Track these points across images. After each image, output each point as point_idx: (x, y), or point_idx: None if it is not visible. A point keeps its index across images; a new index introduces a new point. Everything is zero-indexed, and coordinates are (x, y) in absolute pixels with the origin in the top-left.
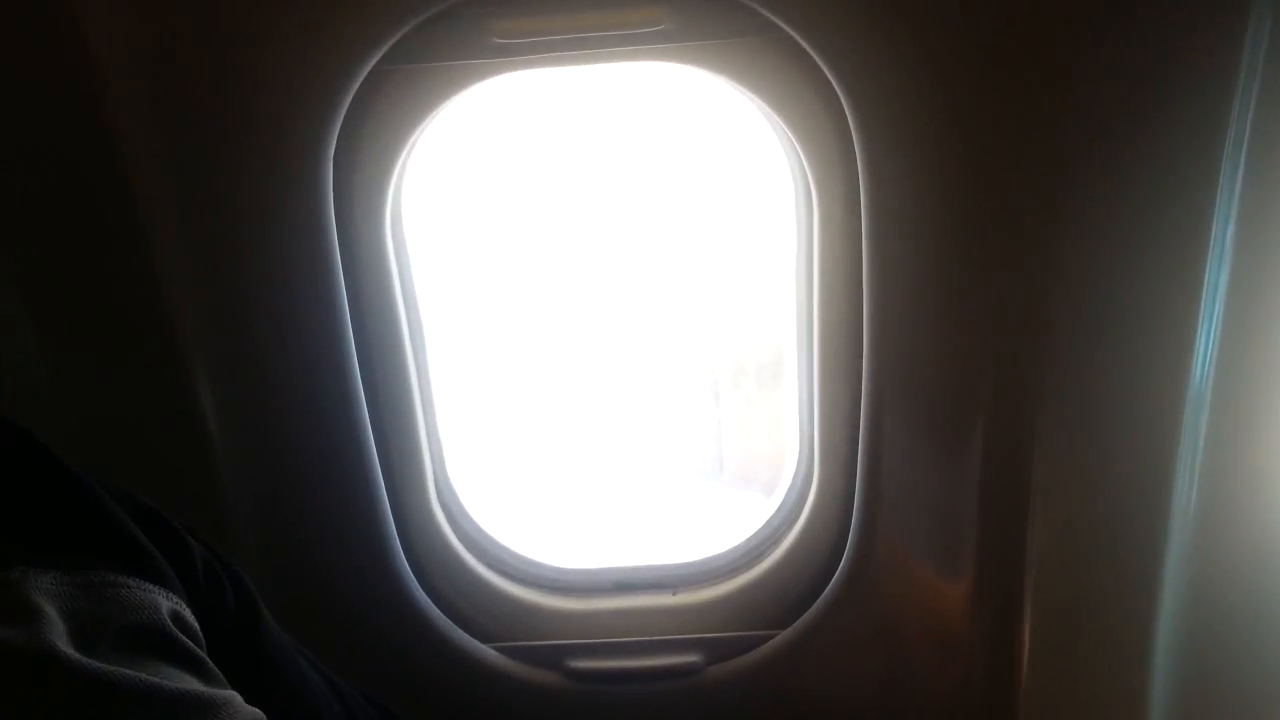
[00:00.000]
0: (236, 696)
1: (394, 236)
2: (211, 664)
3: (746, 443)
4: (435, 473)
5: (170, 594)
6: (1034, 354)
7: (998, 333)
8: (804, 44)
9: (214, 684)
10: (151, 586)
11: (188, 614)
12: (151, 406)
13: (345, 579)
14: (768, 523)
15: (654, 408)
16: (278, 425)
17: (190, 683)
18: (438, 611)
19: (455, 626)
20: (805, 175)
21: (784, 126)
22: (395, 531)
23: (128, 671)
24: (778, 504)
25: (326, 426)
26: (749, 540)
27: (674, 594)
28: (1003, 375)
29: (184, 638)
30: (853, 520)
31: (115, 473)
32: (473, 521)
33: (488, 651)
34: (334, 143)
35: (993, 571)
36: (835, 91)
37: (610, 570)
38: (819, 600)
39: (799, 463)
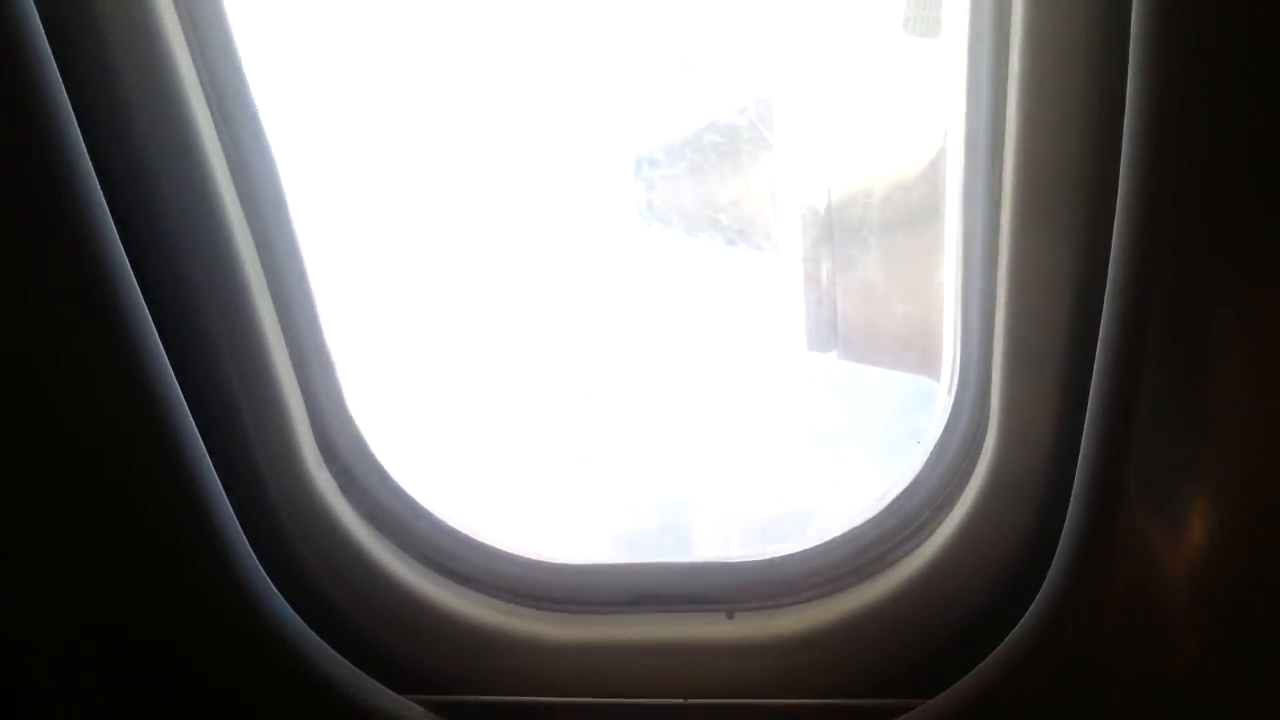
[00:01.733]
0: None
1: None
2: None
3: (870, 304)
4: (314, 408)
5: None
6: None
7: None
8: None
9: None
10: None
11: None
12: None
13: (165, 587)
14: (896, 502)
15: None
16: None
17: None
18: (317, 640)
19: (350, 666)
20: None
21: None
22: (232, 514)
23: None
24: (921, 464)
25: (78, 338)
26: (864, 528)
27: (731, 616)
28: None
29: None
30: (1076, 486)
31: None
32: (392, 486)
33: (408, 708)
34: None
35: None
36: None
37: (625, 569)
38: (997, 651)
39: (960, 386)
